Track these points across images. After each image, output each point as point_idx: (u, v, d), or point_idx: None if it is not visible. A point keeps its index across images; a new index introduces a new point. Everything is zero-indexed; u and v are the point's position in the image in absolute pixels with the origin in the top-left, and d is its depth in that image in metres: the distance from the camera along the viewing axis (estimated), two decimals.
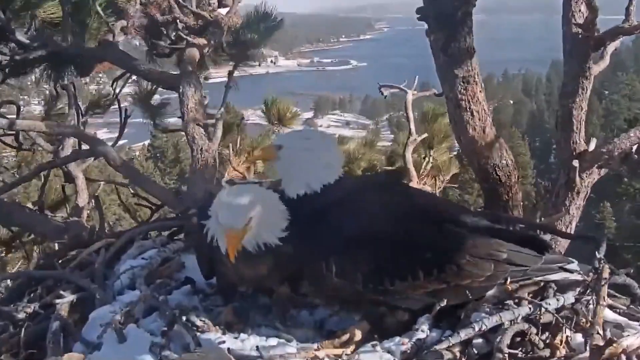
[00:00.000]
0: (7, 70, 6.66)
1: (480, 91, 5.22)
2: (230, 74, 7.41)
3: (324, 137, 3.71)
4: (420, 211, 3.40)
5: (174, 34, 7.13)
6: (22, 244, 8.19)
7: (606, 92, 65.43)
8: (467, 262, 3.25)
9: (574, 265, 3.52)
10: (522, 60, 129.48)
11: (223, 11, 7.11)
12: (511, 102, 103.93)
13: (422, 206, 3.51)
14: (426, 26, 5.22)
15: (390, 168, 9.99)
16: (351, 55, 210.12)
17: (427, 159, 8.31)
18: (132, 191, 8.39)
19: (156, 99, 8.22)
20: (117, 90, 7.85)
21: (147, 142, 53.81)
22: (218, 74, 8.24)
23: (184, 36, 6.87)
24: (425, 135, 7.93)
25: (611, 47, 5.52)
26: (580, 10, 5.20)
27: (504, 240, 3.38)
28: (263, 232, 3.30)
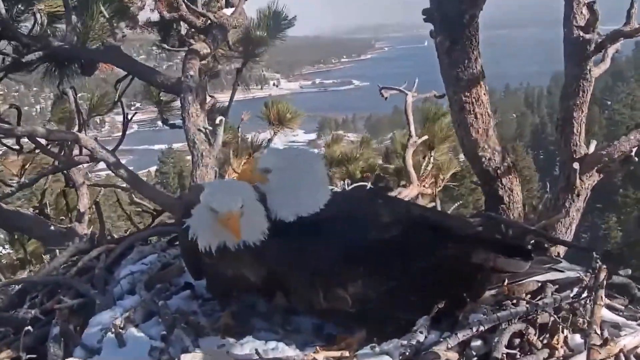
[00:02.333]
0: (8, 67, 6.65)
1: (484, 94, 5.23)
2: (239, 71, 7.46)
3: (310, 157, 3.65)
4: (405, 225, 3.37)
5: (180, 31, 7.15)
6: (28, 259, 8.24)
7: (608, 102, 65.34)
8: (454, 273, 3.27)
9: (563, 264, 3.53)
10: (523, 74, 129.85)
11: (228, 11, 7.14)
12: (514, 115, 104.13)
13: (408, 220, 3.47)
14: (426, 43, 5.22)
15: (388, 166, 9.96)
16: (353, 75, 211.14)
17: (427, 159, 8.26)
18: (131, 198, 8.41)
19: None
20: (120, 93, 7.82)
21: (152, 168, 53.97)
22: (221, 98, 8.19)
23: (187, 39, 6.90)
24: (426, 137, 7.91)
25: (612, 50, 5.51)
26: (581, 13, 5.20)
27: (491, 248, 3.38)
28: (245, 229, 3.26)
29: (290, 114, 9.27)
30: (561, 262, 3.56)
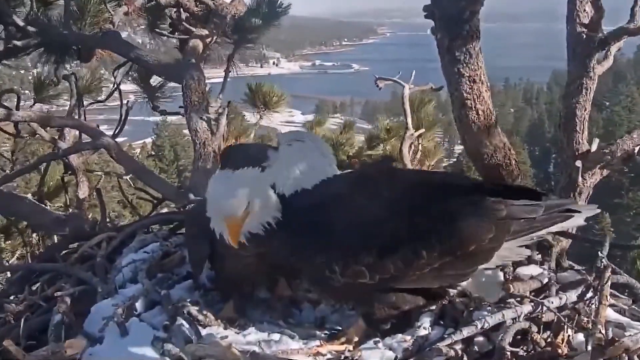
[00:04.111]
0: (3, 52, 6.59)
1: (486, 90, 5.20)
2: (230, 57, 7.36)
3: (316, 137, 3.74)
4: (412, 188, 3.34)
5: (175, 14, 7.07)
6: (20, 231, 8.19)
7: (607, 104, 65.52)
8: (467, 227, 3.19)
9: (579, 206, 3.50)
10: (523, 68, 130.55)
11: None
12: (512, 110, 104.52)
13: (414, 183, 3.45)
14: (429, 31, 5.19)
15: (372, 152, 9.93)
16: (353, 59, 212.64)
17: (415, 147, 8.21)
18: (132, 184, 8.37)
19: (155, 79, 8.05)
20: (118, 80, 7.76)
21: (147, 140, 53.79)
22: (216, 74, 8.13)
23: (188, 27, 6.85)
24: (422, 131, 7.87)
25: (615, 48, 5.49)
26: (585, 10, 5.17)
27: (500, 195, 3.31)
28: (263, 213, 3.28)
29: (277, 97, 9.16)
30: (576, 202, 3.53)
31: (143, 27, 7.56)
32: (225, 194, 3.24)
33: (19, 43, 6.31)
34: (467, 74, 5.11)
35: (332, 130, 12.31)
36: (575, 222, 3.47)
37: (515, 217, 3.27)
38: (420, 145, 8.37)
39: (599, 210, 3.47)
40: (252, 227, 3.28)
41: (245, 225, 3.24)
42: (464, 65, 5.10)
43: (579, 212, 3.44)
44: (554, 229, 3.43)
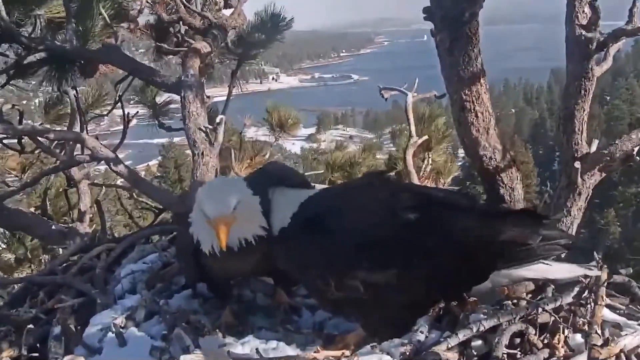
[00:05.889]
0: (11, 72, 6.65)
1: (485, 92, 5.20)
2: (233, 73, 7.38)
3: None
4: (407, 204, 3.23)
5: (179, 32, 7.12)
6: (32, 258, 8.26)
7: (607, 98, 65.62)
8: (461, 253, 3.09)
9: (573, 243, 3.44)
10: (522, 69, 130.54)
11: (228, 12, 7.12)
12: (513, 110, 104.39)
13: (411, 201, 3.30)
14: (425, 37, 5.19)
15: (388, 170, 9.92)
16: (352, 69, 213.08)
17: (426, 161, 8.20)
18: (135, 195, 8.41)
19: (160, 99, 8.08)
20: (120, 93, 7.80)
21: (151, 162, 53.99)
22: (220, 93, 8.15)
23: (186, 39, 6.88)
24: (426, 137, 7.86)
25: (614, 49, 5.48)
26: (583, 12, 5.17)
27: (498, 219, 3.21)
28: (245, 226, 3.24)
29: (292, 119, 9.24)
30: (572, 236, 3.48)
31: (146, 47, 7.58)
32: (213, 196, 3.20)
33: (24, 61, 6.35)
34: (467, 76, 5.11)
35: (353, 151, 12.37)
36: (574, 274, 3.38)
37: (510, 244, 3.12)
38: (429, 159, 8.29)
39: (598, 273, 3.34)
40: (231, 242, 3.23)
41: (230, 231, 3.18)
42: (464, 67, 5.10)
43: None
44: (558, 275, 3.31)
